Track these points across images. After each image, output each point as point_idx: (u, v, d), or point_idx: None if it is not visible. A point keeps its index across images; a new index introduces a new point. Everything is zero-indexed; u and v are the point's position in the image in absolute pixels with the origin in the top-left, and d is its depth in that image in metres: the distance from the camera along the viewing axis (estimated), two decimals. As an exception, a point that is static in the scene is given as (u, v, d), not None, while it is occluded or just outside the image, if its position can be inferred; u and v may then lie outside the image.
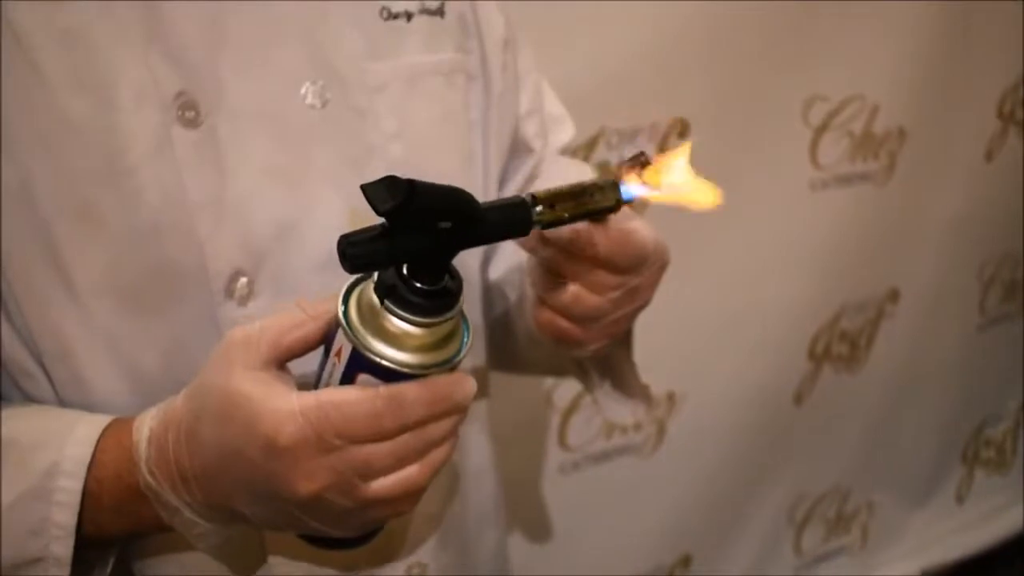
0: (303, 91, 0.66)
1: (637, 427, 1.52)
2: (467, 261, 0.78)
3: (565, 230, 0.59)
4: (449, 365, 0.54)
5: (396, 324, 0.52)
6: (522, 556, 1.44)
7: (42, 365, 0.63)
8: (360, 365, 0.53)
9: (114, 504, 0.58)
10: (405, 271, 0.52)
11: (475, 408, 0.82)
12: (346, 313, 0.53)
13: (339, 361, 0.53)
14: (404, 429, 0.53)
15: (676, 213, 1.32)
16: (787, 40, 1.41)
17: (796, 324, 1.65)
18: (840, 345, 1.73)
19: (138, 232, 0.62)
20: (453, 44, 0.75)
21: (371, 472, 0.53)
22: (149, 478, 0.57)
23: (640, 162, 0.58)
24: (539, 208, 0.55)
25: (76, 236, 0.61)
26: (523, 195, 0.56)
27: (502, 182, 0.84)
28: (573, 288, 0.63)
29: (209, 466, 0.55)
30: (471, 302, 0.80)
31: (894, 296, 1.77)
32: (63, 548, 0.58)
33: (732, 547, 1.75)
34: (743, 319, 1.54)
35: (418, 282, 0.52)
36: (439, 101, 0.73)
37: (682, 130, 1.36)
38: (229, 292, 0.64)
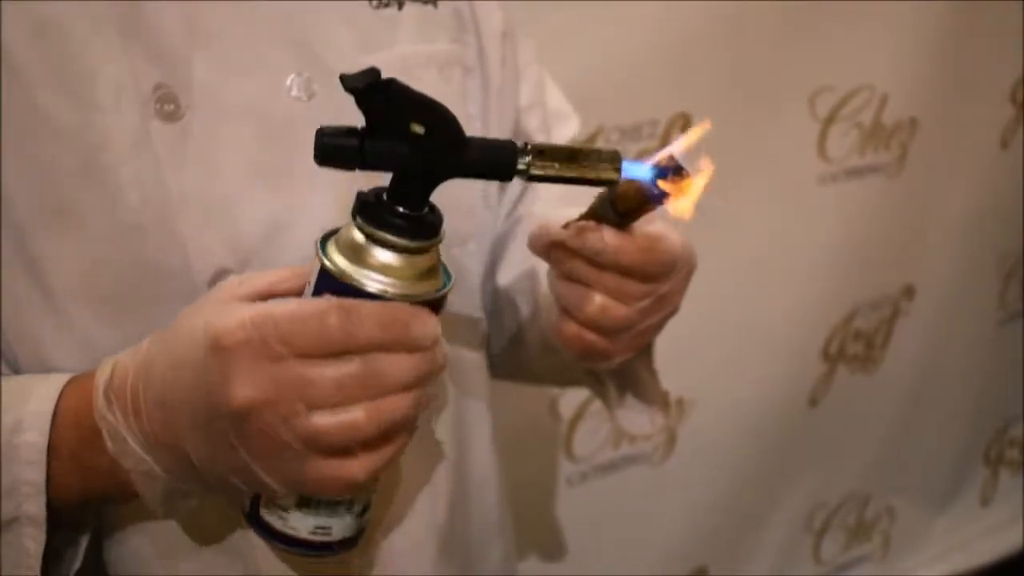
0: (288, 83, 0.66)
1: (646, 435, 1.51)
2: (467, 265, 0.78)
3: (591, 238, 0.59)
4: (417, 299, 0.53)
5: (367, 244, 0.53)
6: (530, 572, 1.43)
7: (18, 372, 0.63)
8: (324, 283, 0.53)
9: (71, 452, 0.58)
10: (385, 196, 0.53)
11: (478, 415, 0.81)
12: (323, 242, 0.55)
13: (308, 285, 0.54)
14: (352, 347, 0.51)
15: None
16: (791, 30, 1.40)
17: (809, 324, 1.65)
18: (855, 345, 1.72)
19: (118, 232, 0.61)
20: (448, 35, 0.75)
21: (312, 396, 0.51)
22: (103, 403, 0.56)
23: (674, 170, 0.57)
24: (528, 158, 0.54)
25: (53, 238, 0.61)
26: (516, 141, 0.56)
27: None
28: (600, 299, 0.63)
29: (160, 391, 0.54)
30: (472, 309, 0.80)
31: (910, 292, 1.77)
32: (35, 506, 0.58)
33: (748, 558, 1.74)
34: (753, 320, 1.54)
35: (394, 203, 0.53)
36: (434, 93, 0.73)
37: (685, 125, 1.36)
38: None
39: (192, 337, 0.53)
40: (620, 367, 0.78)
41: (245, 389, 0.50)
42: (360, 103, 0.51)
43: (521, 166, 0.54)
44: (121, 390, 0.56)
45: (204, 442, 0.54)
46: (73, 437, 0.58)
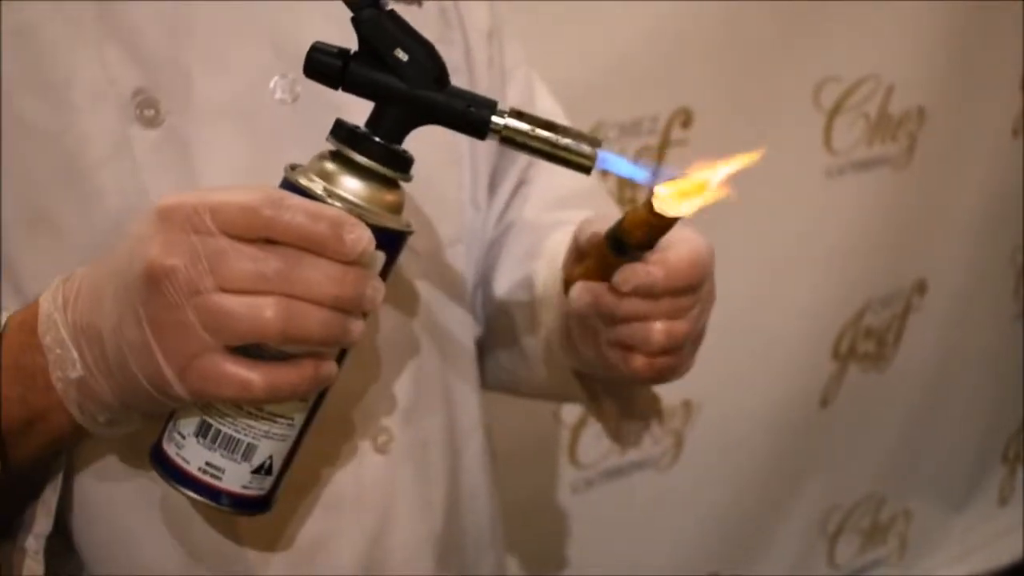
0: (272, 85, 0.66)
1: (653, 439, 1.51)
2: (456, 268, 0.78)
3: (640, 274, 0.61)
4: (368, 219, 0.53)
5: (334, 164, 0.55)
6: (535, 582, 1.43)
7: None
8: (283, 187, 0.55)
9: (12, 360, 0.57)
10: (364, 125, 0.56)
11: (469, 424, 0.81)
12: (296, 165, 0.56)
13: None
14: (276, 230, 0.51)
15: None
16: (794, 19, 1.40)
17: (818, 322, 1.65)
18: (866, 343, 1.72)
19: (95, 240, 0.61)
20: (433, 35, 0.74)
21: (225, 274, 0.50)
22: (50, 295, 0.56)
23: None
24: (505, 120, 0.55)
25: (30, 246, 0.61)
26: (499, 103, 0.57)
27: (493, 185, 0.84)
28: (661, 326, 0.64)
29: (98, 271, 0.55)
30: (461, 315, 0.79)
31: (921, 287, 1.76)
32: None
33: (761, 564, 1.74)
34: (761, 319, 1.53)
35: (370, 130, 0.55)
36: None
37: (686, 120, 1.35)
38: None
39: (144, 211, 0.53)
40: (615, 380, 0.79)
41: (160, 252, 0.51)
42: (355, 23, 0.55)
43: (496, 122, 0.55)
44: (71, 283, 0.56)
45: (114, 310, 0.53)
46: (15, 342, 0.57)
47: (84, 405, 0.56)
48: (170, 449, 0.57)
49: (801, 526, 1.76)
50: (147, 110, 0.63)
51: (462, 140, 0.77)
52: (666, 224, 0.59)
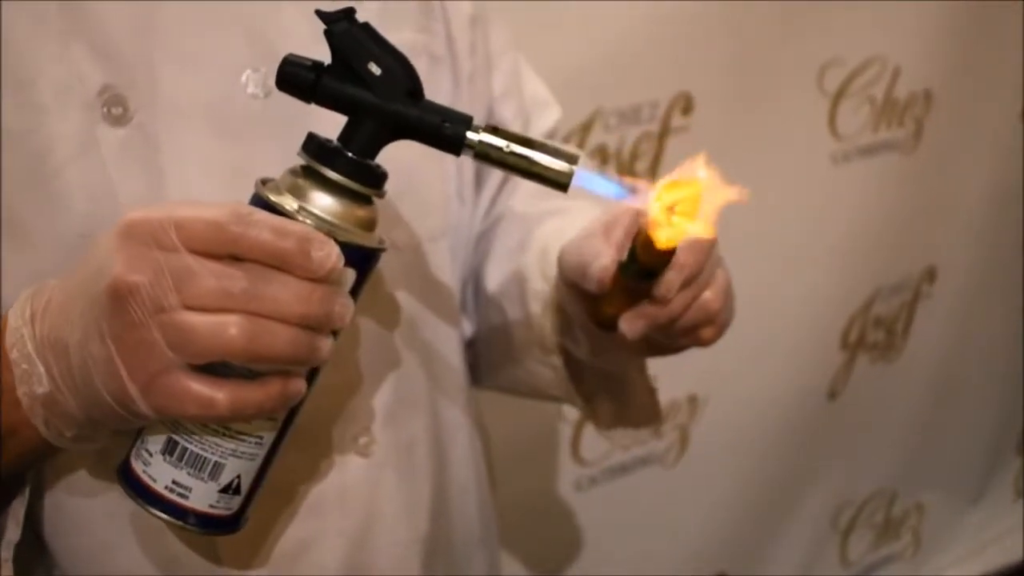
0: (244, 80, 0.66)
1: (658, 435, 1.51)
2: (439, 263, 0.78)
3: (675, 274, 0.63)
4: (336, 236, 0.53)
5: (306, 179, 0.55)
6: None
7: None
8: (251, 201, 0.55)
9: None
10: (336, 139, 0.56)
11: (455, 423, 0.81)
12: (267, 180, 0.57)
13: None
14: (241, 247, 0.51)
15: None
16: (797, 1, 1.40)
17: (825, 312, 1.65)
18: (875, 332, 1.72)
19: (63, 243, 0.61)
20: (412, 23, 0.75)
21: (189, 291, 0.50)
22: (18, 308, 0.56)
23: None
24: (480, 136, 0.56)
25: (6, 249, 0.61)
26: (473, 118, 0.57)
27: (479, 177, 0.84)
28: (711, 294, 0.67)
29: (67, 287, 0.55)
30: (446, 311, 0.79)
31: (931, 275, 1.76)
32: None
33: (771, 562, 1.74)
34: (766, 310, 1.52)
35: (342, 145, 0.56)
36: None
37: (686, 106, 1.35)
38: None
39: (112, 227, 0.53)
40: (613, 374, 0.80)
41: (124, 268, 0.51)
42: (328, 36, 0.55)
43: (471, 138, 0.56)
44: (40, 295, 0.56)
45: (79, 324, 0.53)
46: None
47: (51, 421, 0.56)
48: (137, 466, 0.58)
49: (811, 522, 1.76)
50: (114, 108, 0.63)
51: None
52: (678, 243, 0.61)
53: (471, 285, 0.85)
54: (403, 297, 0.75)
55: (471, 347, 0.87)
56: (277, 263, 0.51)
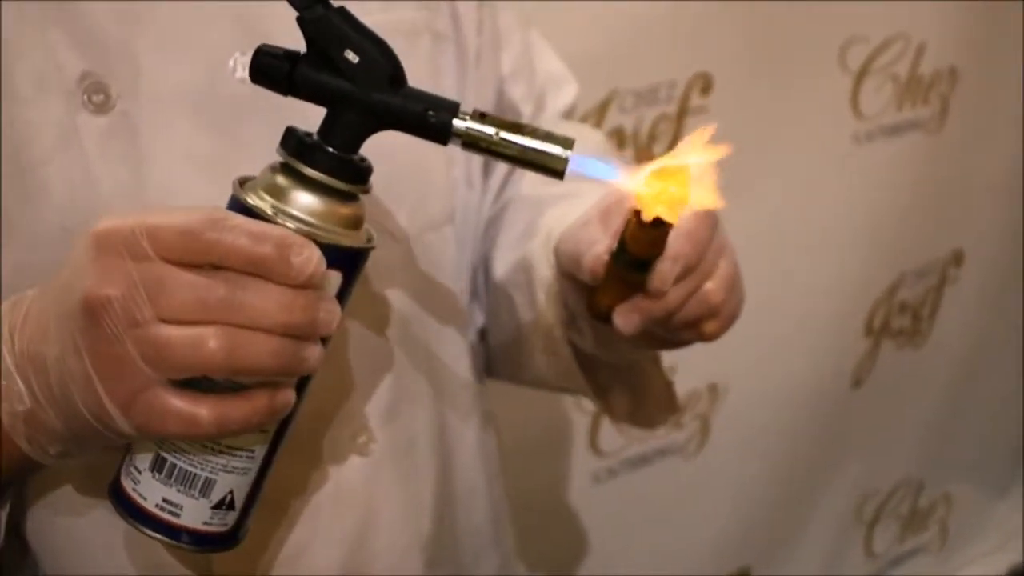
0: (232, 64, 0.65)
1: (678, 425, 1.51)
2: (442, 252, 0.77)
3: (670, 266, 0.61)
4: (319, 240, 0.52)
5: (285, 178, 0.54)
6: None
7: None
8: (227, 206, 0.54)
9: None
10: (315, 134, 0.55)
11: (460, 420, 0.80)
12: (245, 179, 0.55)
13: None
14: (217, 254, 0.50)
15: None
16: (816, -23, 1.39)
17: (849, 297, 1.64)
18: (900, 318, 1.71)
19: (43, 235, 0.61)
20: (414, 1, 0.74)
21: (165, 302, 0.49)
22: None
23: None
24: (466, 120, 0.54)
25: None
26: (460, 104, 0.56)
27: (488, 160, 0.82)
28: (712, 285, 0.65)
29: (44, 298, 0.54)
30: (448, 302, 0.78)
31: (958, 258, 1.76)
32: None
33: (795, 555, 1.74)
34: (788, 296, 1.53)
35: (322, 140, 0.54)
36: None
37: (705, 86, 1.35)
38: None
39: (84, 234, 0.52)
40: (625, 366, 0.79)
41: (96, 281, 0.50)
42: (301, 23, 0.53)
43: (458, 126, 0.54)
44: (19, 308, 0.55)
45: (56, 339, 0.52)
46: None
47: (33, 438, 0.56)
48: (127, 484, 0.57)
49: (836, 514, 1.76)
50: (95, 95, 0.62)
51: None
52: (670, 227, 0.58)
53: (481, 272, 0.84)
54: (401, 289, 0.74)
55: (483, 337, 0.86)
56: (255, 270, 0.50)
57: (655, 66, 1.31)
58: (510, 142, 0.55)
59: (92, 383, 0.51)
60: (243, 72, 0.64)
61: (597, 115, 1.28)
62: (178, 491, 0.56)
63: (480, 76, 0.79)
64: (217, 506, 0.57)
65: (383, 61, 0.54)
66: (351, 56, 0.54)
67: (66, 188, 0.61)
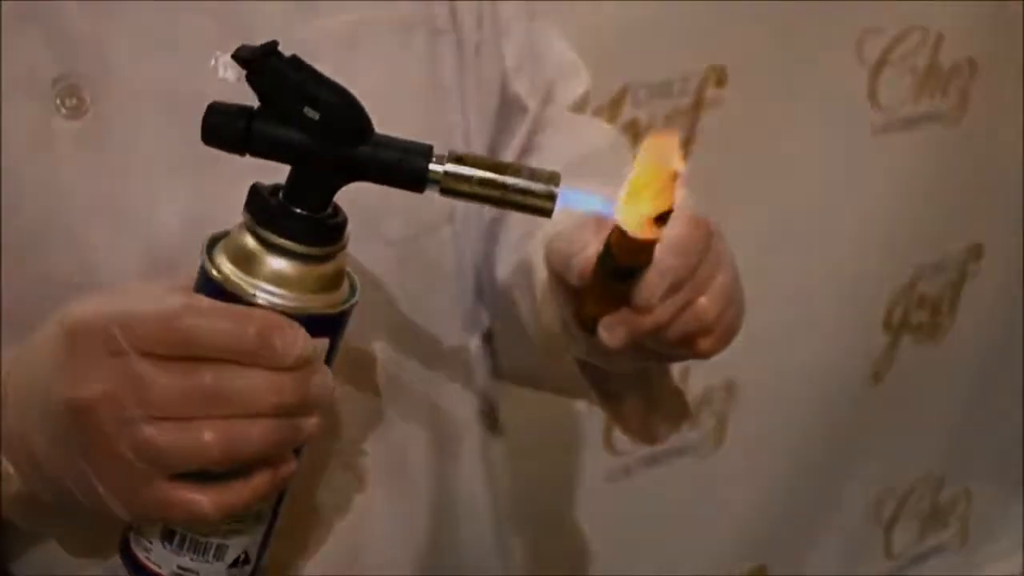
0: (213, 63, 0.63)
1: (695, 423, 1.50)
2: (439, 255, 0.75)
3: (657, 279, 0.58)
4: (301, 312, 0.51)
5: (256, 246, 0.51)
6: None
7: None
8: (200, 282, 0.52)
9: None
10: (281, 193, 0.52)
11: (460, 428, 0.78)
12: (213, 242, 0.53)
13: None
14: (196, 348, 0.49)
15: (722, 173, 1.31)
16: (833, -33, 1.38)
17: (867, 292, 1.63)
18: (919, 312, 1.71)
19: (16, 244, 0.60)
20: None
21: (151, 401, 0.48)
22: None
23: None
24: (443, 165, 0.51)
25: None
26: (434, 147, 0.53)
27: (492, 153, 0.79)
28: (706, 300, 0.61)
29: (26, 376, 0.53)
30: (445, 305, 0.77)
31: (977, 252, 1.75)
32: None
33: (812, 554, 1.73)
34: (805, 290, 1.53)
35: (289, 201, 0.51)
36: (390, 64, 0.70)
37: (719, 79, 1.34)
38: None
39: (54, 322, 0.52)
40: (638, 375, 0.76)
41: (76, 384, 0.49)
42: (251, 81, 0.50)
43: (434, 170, 0.51)
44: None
45: (47, 439, 0.52)
46: None
47: (28, 515, 0.56)
48: (139, 552, 0.56)
49: (855, 511, 1.76)
50: (70, 99, 0.60)
51: (452, 108, 0.74)
52: (656, 238, 0.55)
53: (485, 273, 0.82)
54: (394, 295, 0.72)
55: (491, 339, 0.84)
56: (239, 359, 0.49)
57: (669, 59, 1.30)
58: (490, 182, 0.52)
59: (89, 478, 0.51)
60: (225, 71, 0.63)
61: (611, 109, 1.27)
62: (191, 559, 0.56)
63: (481, 71, 0.77)
64: (233, 564, 0.57)
65: (346, 113, 0.51)
66: (310, 113, 0.50)
67: (40, 197, 0.60)
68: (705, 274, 0.61)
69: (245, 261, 0.51)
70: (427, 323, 0.75)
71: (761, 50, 1.36)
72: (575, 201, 0.53)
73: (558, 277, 0.64)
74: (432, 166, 0.52)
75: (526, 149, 0.81)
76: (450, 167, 0.52)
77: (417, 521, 0.75)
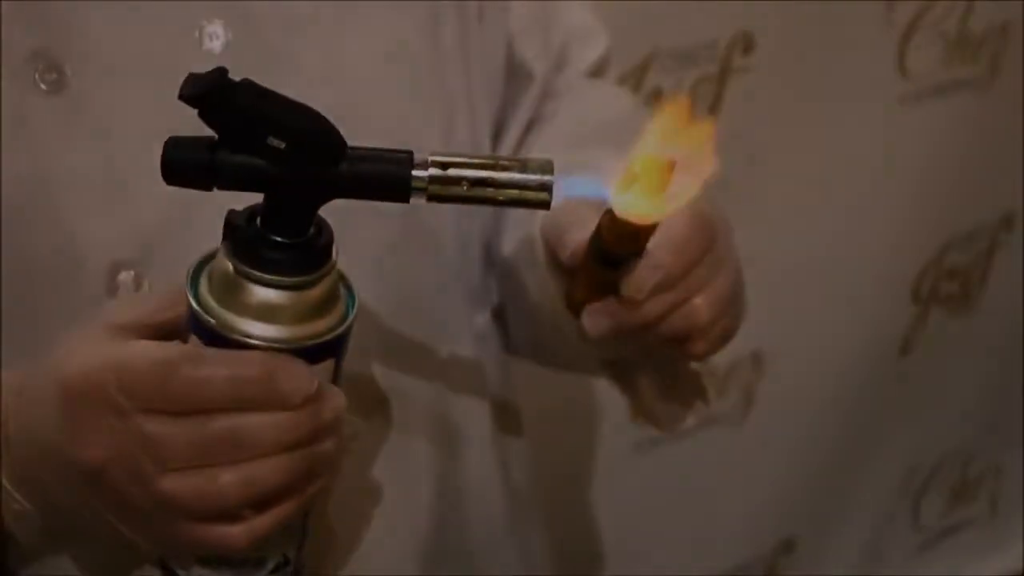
0: (197, 35, 0.62)
1: (722, 394, 1.50)
2: (438, 226, 0.73)
3: (647, 273, 0.55)
4: (299, 345, 0.49)
5: (239, 279, 0.49)
6: (594, 550, 1.42)
7: None
8: (195, 325, 0.50)
9: None
10: (259, 222, 0.49)
11: (468, 408, 0.76)
12: (198, 270, 0.51)
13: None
14: (201, 404, 0.48)
15: (748, 147, 1.30)
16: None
17: (896, 263, 1.62)
18: (949, 284, 1.69)
19: None
20: None
21: (162, 456, 0.48)
22: None
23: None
24: (427, 172, 0.48)
25: None
26: (415, 152, 0.50)
27: (500, 127, 0.77)
28: (701, 301, 0.59)
29: (26, 426, 0.53)
30: (444, 282, 0.74)
31: (1008, 222, 1.73)
32: None
33: (842, 524, 1.73)
34: (833, 261, 1.52)
35: (267, 229, 0.48)
36: (385, 31, 0.67)
37: (747, 45, 1.33)
38: (111, 290, 0.61)
39: (48, 376, 0.51)
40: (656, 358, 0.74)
41: (88, 447, 0.49)
42: (203, 115, 0.47)
43: (418, 176, 0.48)
44: None
45: (66, 494, 0.52)
46: None
47: (47, 544, 0.56)
48: (180, 572, 0.56)
49: (883, 483, 1.75)
50: (48, 74, 0.59)
51: (455, 77, 0.71)
52: (650, 226, 0.52)
53: (494, 246, 0.79)
54: (391, 270, 0.70)
55: (501, 314, 0.81)
56: (244, 406, 0.48)
57: (695, 25, 1.29)
58: (480, 180, 0.49)
59: (117, 530, 0.51)
60: (210, 42, 0.61)
61: (636, 76, 1.26)
62: (231, 572, 0.56)
63: (485, 36, 0.74)
64: (274, 571, 0.57)
65: (315, 137, 0.48)
66: (276, 143, 0.47)
67: (18, 174, 0.59)
68: (702, 275, 0.58)
69: (233, 299, 0.49)
70: (425, 298, 0.73)
71: (789, 15, 1.34)
72: (573, 187, 0.51)
73: (551, 253, 0.61)
74: (415, 173, 0.48)
75: (534, 119, 0.78)
76: (434, 172, 0.48)
77: (418, 505, 0.74)
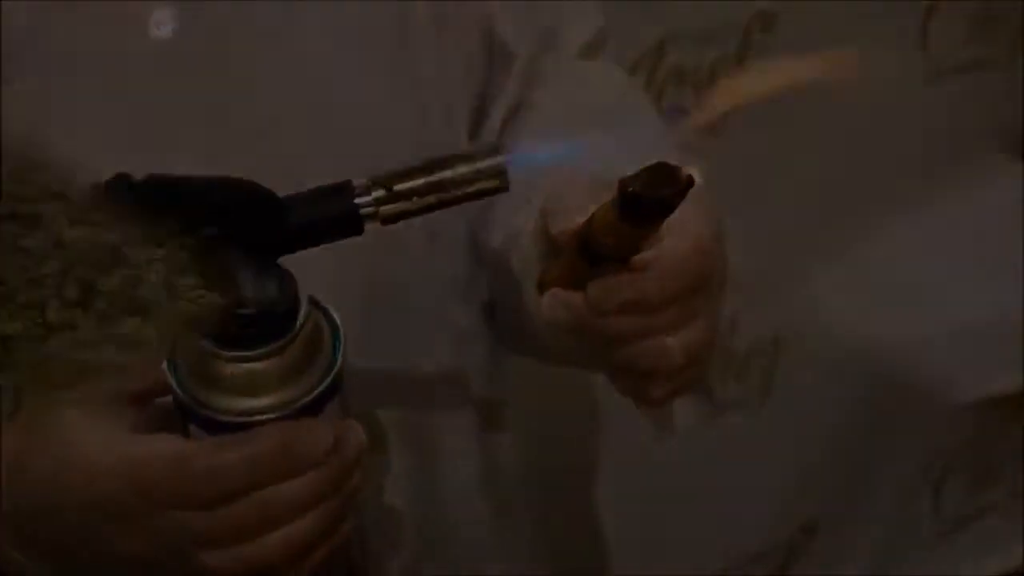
0: (150, 20, 0.60)
1: (740, 378, 1.50)
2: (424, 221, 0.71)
3: (622, 285, 0.52)
4: (297, 406, 0.49)
5: (214, 360, 0.48)
6: (611, 535, 1.42)
7: None
8: (183, 412, 0.49)
9: None
10: None
11: (452, 413, 0.75)
12: (171, 362, 0.50)
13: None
14: (220, 490, 0.49)
15: (760, 127, 1.29)
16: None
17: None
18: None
19: None
20: None
21: (200, 539, 0.49)
22: None
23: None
24: (373, 195, 0.46)
25: None
26: (352, 180, 0.48)
27: (480, 113, 0.74)
28: (675, 342, 0.54)
29: (41, 502, 0.53)
30: (430, 289, 0.73)
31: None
32: None
33: (864, 507, 1.72)
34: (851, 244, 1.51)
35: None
36: (351, 13, 0.64)
37: (766, 24, 1.32)
38: None
39: (65, 463, 0.51)
40: None
41: (130, 545, 0.50)
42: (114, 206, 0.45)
43: (363, 202, 0.46)
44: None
45: (93, 564, 0.53)
46: None
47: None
48: None
49: (904, 468, 1.74)
50: None
51: (426, 59, 0.68)
52: (645, 232, 0.50)
53: (483, 240, 0.76)
54: (366, 270, 0.67)
55: (493, 313, 0.78)
56: (267, 481, 0.49)
57: (712, 4, 1.28)
58: (432, 184, 0.47)
59: None
60: (161, 29, 0.58)
61: (653, 56, 1.25)
62: None
63: (461, 16, 0.70)
64: None
65: (246, 205, 0.46)
66: (209, 230, 0.45)
67: None
68: (683, 314, 0.54)
69: (220, 385, 0.48)
70: (400, 297, 0.71)
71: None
72: (528, 159, 0.49)
73: (543, 228, 0.58)
74: (359, 201, 0.47)
75: (519, 104, 0.74)
76: (379, 193, 0.46)
77: (393, 516, 0.74)
